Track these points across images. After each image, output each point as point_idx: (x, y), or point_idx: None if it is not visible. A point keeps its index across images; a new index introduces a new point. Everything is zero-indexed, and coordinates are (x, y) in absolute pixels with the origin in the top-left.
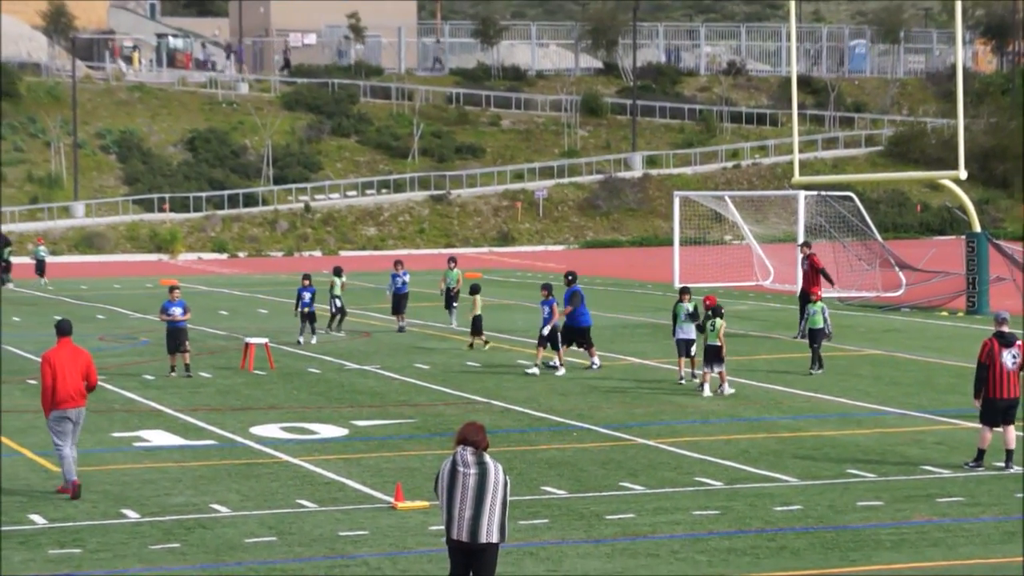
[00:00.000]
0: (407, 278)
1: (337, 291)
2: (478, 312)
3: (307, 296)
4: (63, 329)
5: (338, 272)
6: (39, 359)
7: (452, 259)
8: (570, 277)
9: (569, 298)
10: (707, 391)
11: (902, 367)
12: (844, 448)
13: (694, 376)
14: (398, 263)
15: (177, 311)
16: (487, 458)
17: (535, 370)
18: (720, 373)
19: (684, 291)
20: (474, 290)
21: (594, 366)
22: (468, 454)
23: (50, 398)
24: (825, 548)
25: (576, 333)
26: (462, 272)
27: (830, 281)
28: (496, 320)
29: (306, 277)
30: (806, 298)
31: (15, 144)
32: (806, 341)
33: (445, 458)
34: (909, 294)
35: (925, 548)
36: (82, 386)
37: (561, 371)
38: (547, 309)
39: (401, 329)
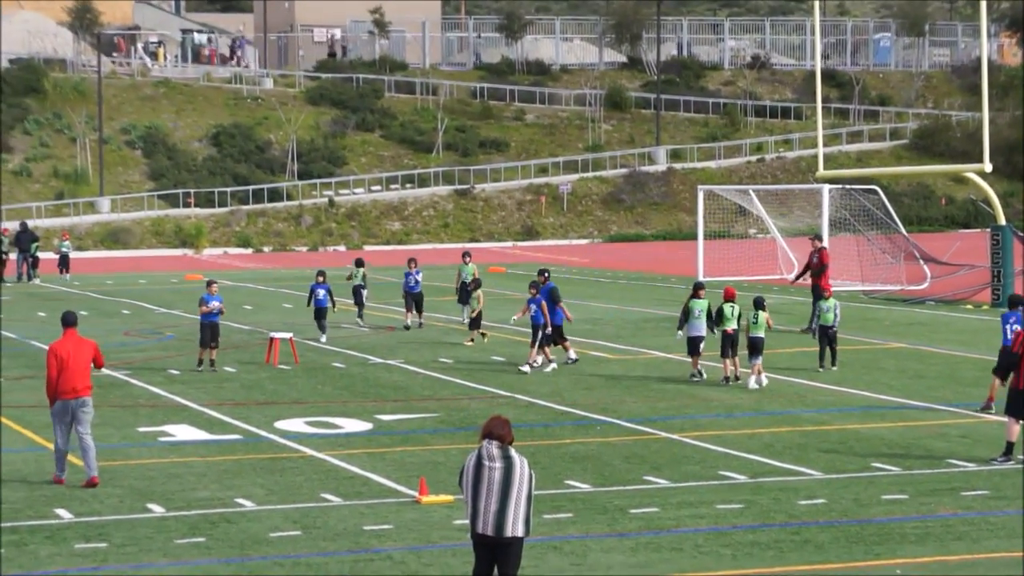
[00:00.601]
0: (420, 276)
1: (359, 280)
2: (479, 307)
3: (321, 293)
4: (68, 320)
5: (360, 263)
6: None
7: (467, 254)
8: (546, 274)
9: (548, 295)
10: (752, 383)
11: (927, 360)
12: (868, 442)
13: (694, 376)
14: (412, 261)
15: (216, 304)
16: (512, 452)
17: (553, 366)
18: (756, 366)
19: (699, 287)
20: (476, 285)
21: (534, 365)
22: (493, 448)
23: (54, 388)
24: (849, 542)
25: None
26: (477, 267)
27: (801, 276)
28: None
29: (320, 274)
30: (818, 292)
31: (41, 140)
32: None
33: (470, 452)
34: (934, 287)
35: (950, 542)
36: (87, 378)
37: (526, 369)
38: (535, 307)
39: (407, 327)
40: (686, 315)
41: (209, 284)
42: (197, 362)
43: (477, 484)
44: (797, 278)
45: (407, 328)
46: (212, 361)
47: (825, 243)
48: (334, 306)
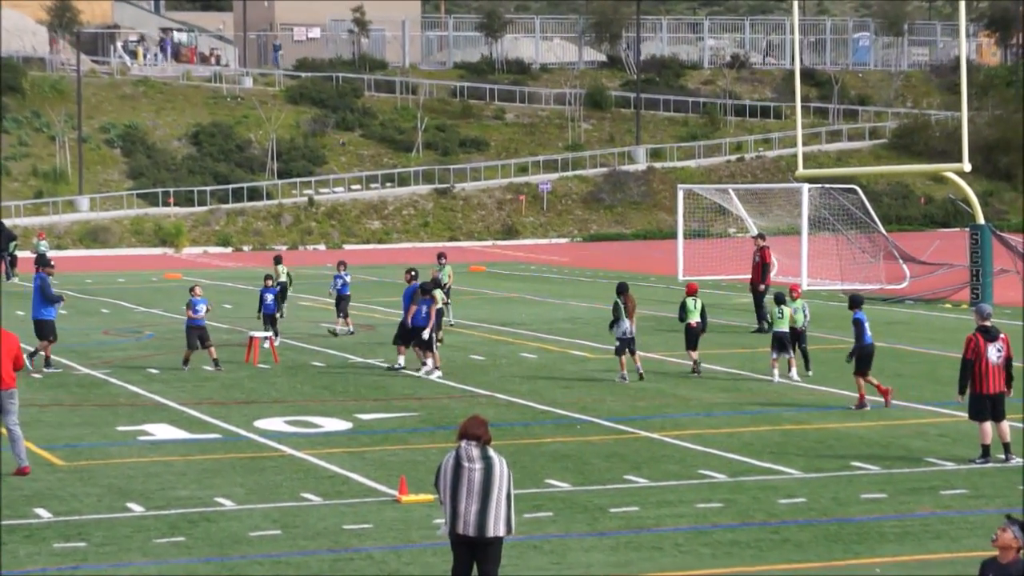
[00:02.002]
0: (348, 279)
1: (283, 278)
2: (439, 306)
3: (269, 298)
4: None
5: (279, 260)
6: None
7: (442, 255)
8: (412, 273)
9: (411, 296)
10: (794, 375)
11: (906, 359)
12: (848, 441)
13: (623, 377)
14: (341, 264)
15: (203, 307)
16: (491, 452)
17: (437, 373)
18: (789, 359)
19: (623, 288)
20: (435, 284)
21: (427, 370)
22: (473, 449)
23: None
24: (829, 541)
25: (414, 332)
26: (452, 268)
27: (764, 278)
28: (500, 313)
29: (268, 277)
30: (757, 290)
31: (20, 138)
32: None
33: (447, 452)
34: (913, 286)
35: (928, 540)
36: (11, 369)
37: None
38: (425, 309)
39: (335, 333)
40: (615, 315)
41: (192, 289)
42: (183, 361)
43: (456, 485)
44: (762, 283)
45: (335, 334)
46: (215, 361)
47: (804, 242)
48: (281, 313)
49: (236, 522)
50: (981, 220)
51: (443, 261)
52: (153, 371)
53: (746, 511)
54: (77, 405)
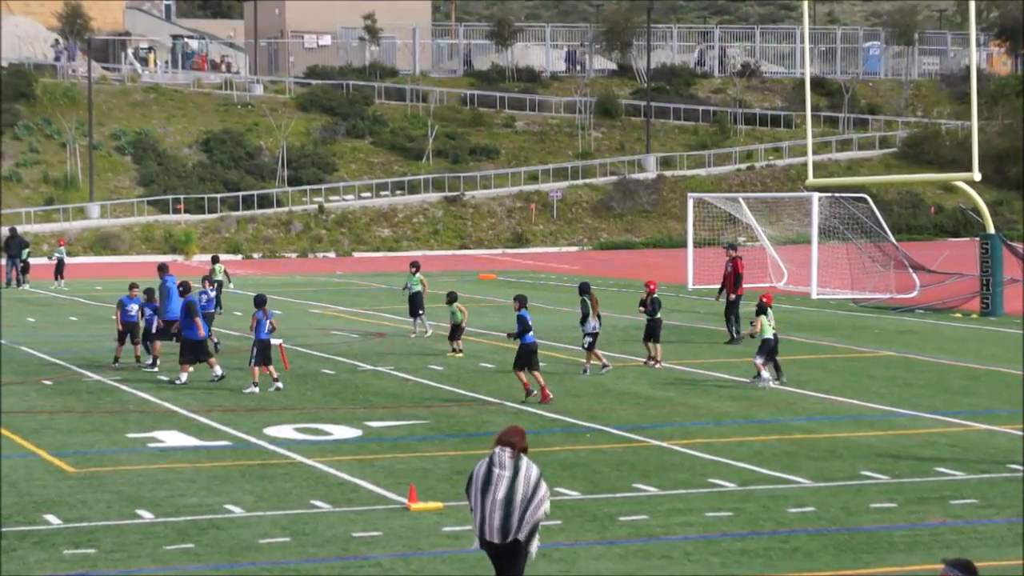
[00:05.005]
0: (213, 295)
1: (219, 276)
2: (463, 319)
3: (132, 308)
4: None
5: (216, 259)
6: (56, 360)
7: (413, 263)
8: (181, 288)
9: (188, 309)
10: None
11: (916, 369)
12: (857, 450)
13: (591, 368)
14: (206, 280)
15: (134, 307)
16: (524, 460)
17: (254, 389)
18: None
19: (585, 288)
20: (451, 298)
21: (177, 382)
22: (505, 455)
23: None
24: (838, 550)
25: (198, 345)
26: (424, 277)
27: (736, 288)
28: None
29: (133, 286)
30: (731, 301)
31: (31, 145)
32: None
33: (479, 459)
34: (923, 296)
35: (938, 550)
36: None
37: (252, 389)
38: (268, 324)
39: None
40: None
41: (131, 287)
42: (113, 359)
43: (485, 490)
44: (721, 294)
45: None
46: (137, 358)
47: (814, 251)
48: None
49: (245, 529)
50: (991, 229)
51: (414, 271)
52: (162, 378)
53: (755, 520)
54: (87, 412)
